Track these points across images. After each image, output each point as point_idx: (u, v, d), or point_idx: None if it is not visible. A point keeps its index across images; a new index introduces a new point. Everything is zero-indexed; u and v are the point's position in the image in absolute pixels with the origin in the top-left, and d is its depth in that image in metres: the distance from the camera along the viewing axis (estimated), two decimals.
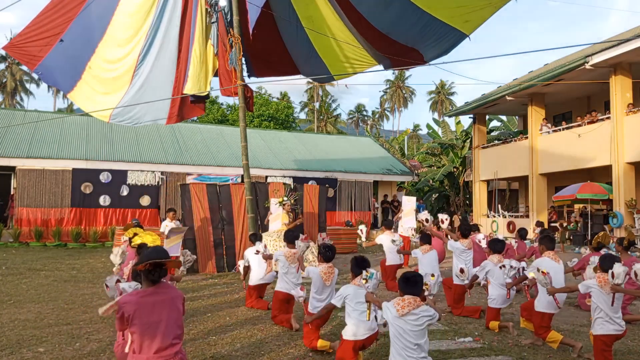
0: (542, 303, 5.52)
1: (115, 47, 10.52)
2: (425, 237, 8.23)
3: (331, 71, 12.55)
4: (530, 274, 5.58)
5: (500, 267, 6.24)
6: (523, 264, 6.50)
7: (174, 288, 3.30)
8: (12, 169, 17.36)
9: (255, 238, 7.67)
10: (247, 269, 7.49)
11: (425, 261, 7.65)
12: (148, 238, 5.06)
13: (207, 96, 11.49)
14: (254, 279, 7.34)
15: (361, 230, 9.90)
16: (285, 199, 10.78)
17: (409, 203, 12.41)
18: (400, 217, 13.31)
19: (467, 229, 8.01)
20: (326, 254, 5.50)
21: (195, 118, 35.98)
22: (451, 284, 7.49)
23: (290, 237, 6.59)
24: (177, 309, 3.20)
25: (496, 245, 6.59)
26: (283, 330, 6.11)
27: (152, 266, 3.09)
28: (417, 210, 22.96)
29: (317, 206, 12.86)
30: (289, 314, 6.21)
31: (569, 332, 6.27)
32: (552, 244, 5.84)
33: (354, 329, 4.54)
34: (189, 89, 10.80)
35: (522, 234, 9.92)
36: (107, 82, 10.67)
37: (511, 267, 6.13)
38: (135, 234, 6.01)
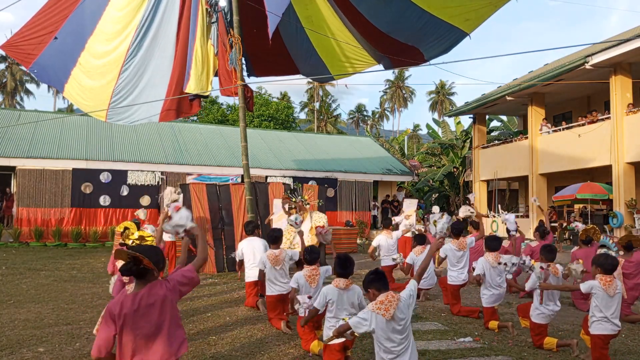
0: (536, 313, 5.52)
1: (103, 42, 10.48)
2: (418, 238, 8.18)
3: (331, 71, 12.56)
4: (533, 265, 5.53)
5: (500, 265, 6.13)
6: (525, 258, 6.33)
7: (162, 286, 3.08)
8: (12, 169, 17.37)
9: (247, 227, 7.49)
10: (241, 262, 7.26)
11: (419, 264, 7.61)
12: (142, 234, 5.02)
13: (207, 95, 11.50)
14: (251, 274, 7.18)
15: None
16: (304, 198, 10.82)
17: (410, 205, 12.00)
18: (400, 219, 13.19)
19: (459, 228, 7.69)
20: (306, 257, 5.36)
21: (195, 118, 36.06)
22: (446, 284, 7.47)
23: (273, 238, 6.39)
24: (168, 313, 3.04)
25: (492, 243, 6.43)
26: None
27: (128, 258, 2.96)
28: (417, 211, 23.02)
29: (317, 206, 12.84)
30: (284, 317, 6.11)
31: (569, 332, 6.27)
32: (551, 255, 5.60)
33: (329, 333, 4.45)
34: (192, 88, 10.79)
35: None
36: (94, 75, 10.64)
37: (512, 263, 5.95)
38: (126, 228, 5.96)
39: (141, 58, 10.72)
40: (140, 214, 9.15)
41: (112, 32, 10.43)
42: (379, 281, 3.75)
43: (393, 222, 10.76)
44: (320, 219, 10.55)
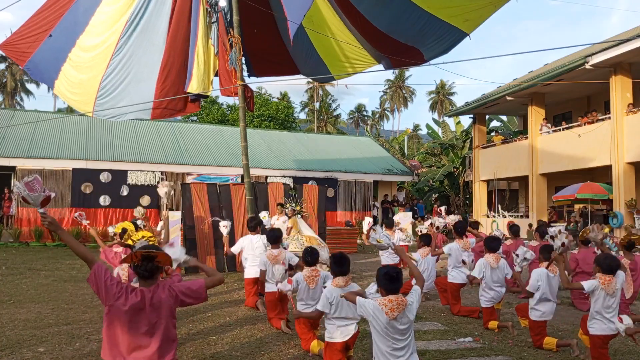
0: (535, 311, 5.52)
1: (93, 36, 10.44)
2: (424, 238, 8.12)
3: (331, 71, 12.56)
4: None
5: (514, 254, 6.03)
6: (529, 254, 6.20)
7: (165, 290, 3.09)
8: (12, 169, 17.36)
9: (250, 223, 7.41)
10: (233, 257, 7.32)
11: (424, 265, 7.61)
12: (144, 235, 5.02)
13: (208, 95, 11.50)
14: (251, 271, 7.14)
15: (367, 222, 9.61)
16: (288, 206, 10.71)
17: (405, 219, 12.02)
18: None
19: (462, 228, 7.75)
20: (306, 258, 5.31)
21: (195, 118, 36.02)
22: (446, 284, 7.44)
23: (273, 238, 6.35)
24: (165, 316, 3.04)
25: (492, 243, 6.40)
26: None
27: (140, 259, 2.96)
28: (417, 211, 23.02)
29: (317, 206, 12.84)
30: (283, 316, 6.11)
31: (569, 332, 6.26)
32: (550, 255, 5.56)
33: (332, 333, 4.45)
34: (194, 88, 10.78)
35: (514, 230, 9.40)
36: (83, 69, 10.60)
37: (525, 258, 5.83)
38: (124, 229, 5.94)
39: (128, 51, 10.66)
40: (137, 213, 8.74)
41: (102, 26, 10.40)
42: (387, 282, 3.70)
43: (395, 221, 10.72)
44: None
